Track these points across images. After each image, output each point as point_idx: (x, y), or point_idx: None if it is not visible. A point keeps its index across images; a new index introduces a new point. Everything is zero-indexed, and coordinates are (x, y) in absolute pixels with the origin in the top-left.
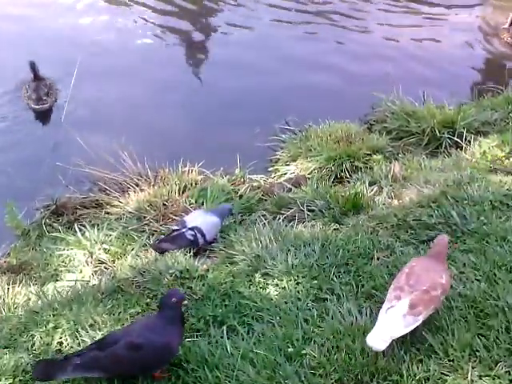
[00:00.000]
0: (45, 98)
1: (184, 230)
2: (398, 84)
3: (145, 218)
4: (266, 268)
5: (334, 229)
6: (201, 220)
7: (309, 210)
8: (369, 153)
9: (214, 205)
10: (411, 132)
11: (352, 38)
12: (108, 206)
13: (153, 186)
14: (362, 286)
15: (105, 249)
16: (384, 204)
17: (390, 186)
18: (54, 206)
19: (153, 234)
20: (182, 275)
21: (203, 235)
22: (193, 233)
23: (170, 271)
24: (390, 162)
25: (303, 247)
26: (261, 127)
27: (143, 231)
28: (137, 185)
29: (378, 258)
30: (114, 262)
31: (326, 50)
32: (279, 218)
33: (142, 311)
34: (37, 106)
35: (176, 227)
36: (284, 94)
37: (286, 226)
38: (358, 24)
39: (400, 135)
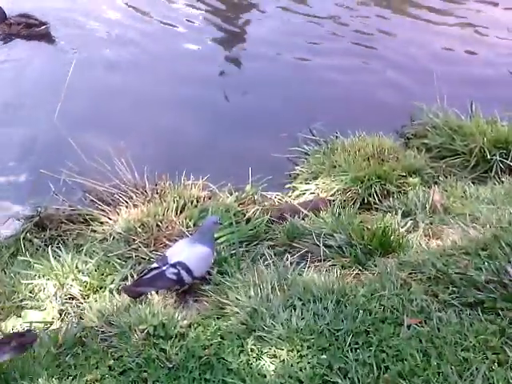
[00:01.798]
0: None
1: (165, 267)
2: (442, 93)
3: (134, 240)
4: (264, 329)
5: (356, 274)
6: (186, 253)
7: (326, 246)
8: (404, 174)
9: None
10: (455, 151)
11: (394, 43)
12: (95, 223)
13: (148, 201)
14: (386, 368)
15: (79, 280)
16: (419, 245)
17: (428, 218)
18: (38, 218)
19: (140, 263)
20: (156, 333)
21: (189, 272)
22: (175, 270)
23: (141, 327)
24: (429, 187)
25: (313, 303)
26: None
27: (129, 257)
28: (131, 198)
29: (408, 326)
30: (87, 297)
31: (364, 53)
32: (288, 256)
33: (102, 378)
34: (43, 26)
35: (155, 265)
36: (312, 100)
37: (294, 268)
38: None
39: (442, 154)
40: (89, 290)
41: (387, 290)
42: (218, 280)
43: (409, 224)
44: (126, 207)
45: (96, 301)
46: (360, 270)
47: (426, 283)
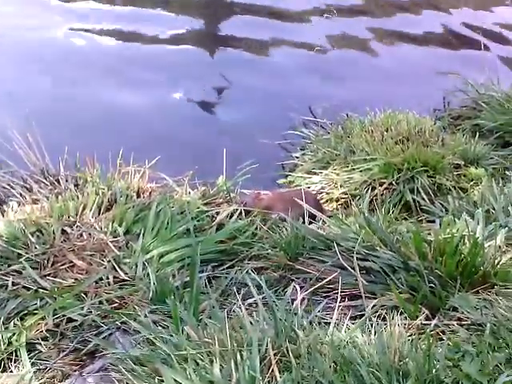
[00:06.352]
0: None
1: None
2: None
3: (19, 257)
4: None
5: (423, 325)
6: None
7: (362, 270)
8: (458, 163)
9: (159, 239)
10: None
11: None
12: None
13: (57, 195)
14: None
15: None
16: None
17: None
18: None
19: (17, 296)
20: None
21: None
22: None
23: None
24: (497, 182)
25: None
26: (271, 118)
27: (2, 287)
28: (30, 190)
29: None
30: None
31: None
32: (295, 288)
33: None
34: None
35: None
36: (312, 75)
37: (306, 313)
38: None
39: (504, 139)
40: None
41: None
42: (148, 334)
43: (502, 234)
44: (19, 204)
45: None
46: (428, 316)
47: None
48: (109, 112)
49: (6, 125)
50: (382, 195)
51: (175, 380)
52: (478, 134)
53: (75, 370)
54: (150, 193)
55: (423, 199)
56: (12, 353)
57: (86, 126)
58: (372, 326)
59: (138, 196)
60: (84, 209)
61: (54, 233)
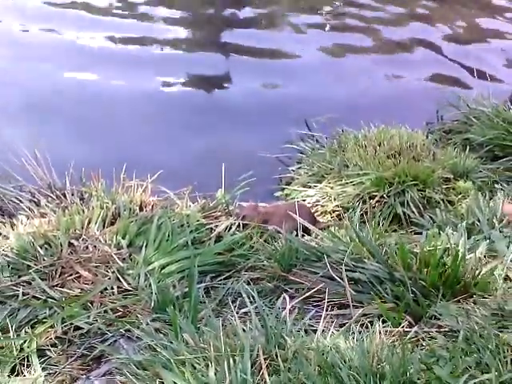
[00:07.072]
0: None
1: None
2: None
3: (28, 268)
4: None
5: (405, 332)
6: None
7: (351, 280)
8: (448, 177)
9: (160, 251)
10: None
11: None
12: None
13: (64, 208)
14: None
15: None
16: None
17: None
18: None
19: (27, 305)
20: None
21: None
22: None
23: None
24: (486, 195)
25: None
26: (270, 132)
27: (12, 296)
28: (38, 204)
29: None
30: None
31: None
32: (286, 298)
33: None
34: None
35: None
36: (308, 90)
37: (296, 321)
38: None
39: (494, 153)
40: None
41: (494, 373)
42: (150, 341)
43: (483, 246)
44: (28, 218)
45: None
46: (411, 324)
47: None
48: (112, 123)
49: (14, 140)
50: (373, 208)
51: (175, 382)
52: (468, 147)
53: (83, 374)
54: (152, 206)
55: (413, 212)
56: (24, 358)
57: (90, 138)
58: (356, 333)
59: (141, 210)
60: (89, 222)
61: (61, 245)
